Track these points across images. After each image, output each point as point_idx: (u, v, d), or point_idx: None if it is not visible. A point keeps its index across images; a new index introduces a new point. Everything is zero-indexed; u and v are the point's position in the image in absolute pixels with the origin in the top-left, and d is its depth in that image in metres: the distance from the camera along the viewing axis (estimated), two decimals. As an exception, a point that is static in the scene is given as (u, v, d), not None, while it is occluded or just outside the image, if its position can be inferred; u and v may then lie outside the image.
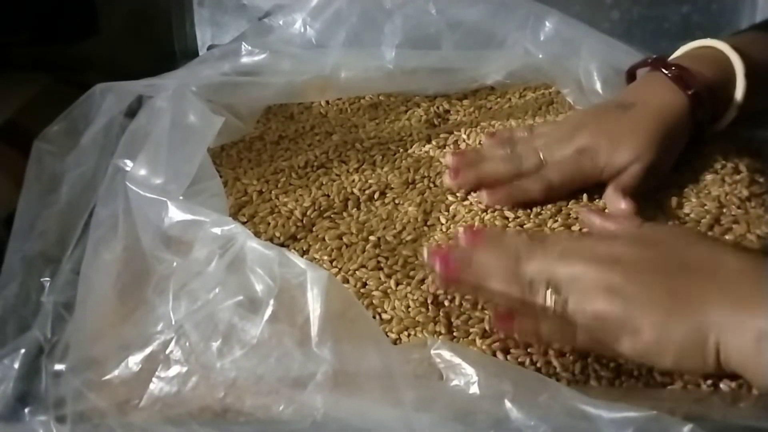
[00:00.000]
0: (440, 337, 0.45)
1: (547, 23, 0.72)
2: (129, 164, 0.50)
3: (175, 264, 0.41)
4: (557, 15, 0.72)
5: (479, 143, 0.65)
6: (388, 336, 0.45)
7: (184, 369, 0.36)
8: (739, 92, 0.59)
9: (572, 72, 0.71)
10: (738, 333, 0.39)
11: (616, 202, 0.55)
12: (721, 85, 0.59)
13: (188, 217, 0.42)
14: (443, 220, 0.56)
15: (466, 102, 0.74)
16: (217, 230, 0.40)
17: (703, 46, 0.62)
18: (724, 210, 0.56)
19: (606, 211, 0.54)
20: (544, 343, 0.44)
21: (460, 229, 0.50)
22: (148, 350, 0.37)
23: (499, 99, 0.74)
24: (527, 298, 0.44)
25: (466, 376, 0.38)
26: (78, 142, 0.54)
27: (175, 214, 0.42)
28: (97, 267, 0.43)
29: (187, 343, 0.36)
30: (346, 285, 0.49)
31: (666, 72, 0.59)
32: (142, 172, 0.47)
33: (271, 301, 0.36)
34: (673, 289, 0.41)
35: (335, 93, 0.73)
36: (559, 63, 0.72)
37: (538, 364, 0.44)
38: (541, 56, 0.72)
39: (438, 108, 0.73)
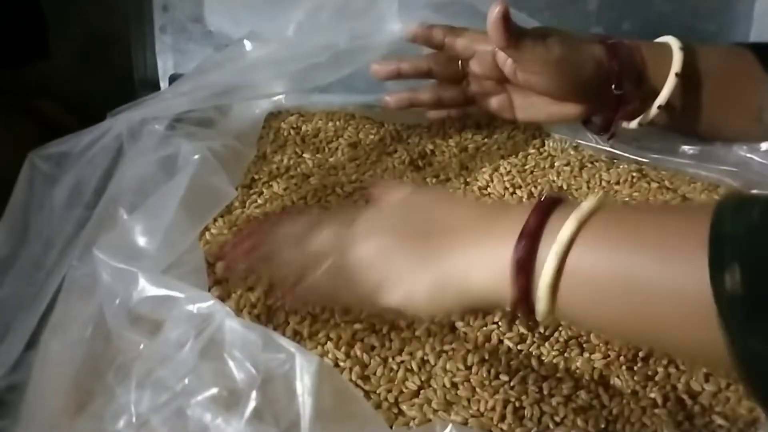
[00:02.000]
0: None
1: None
2: (115, 215, 0.44)
3: (141, 346, 0.35)
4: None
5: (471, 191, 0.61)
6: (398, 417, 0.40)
7: (148, 481, 0.30)
8: (666, 89, 0.59)
9: None
10: (476, 271, 0.39)
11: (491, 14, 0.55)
12: (659, 61, 0.59)
13: (161, 292, 0.36)
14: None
15: (451, 142, 0.69)
16: (192, 308, 0.34)
17: (663, 42, 0.62)
18: None
19: None
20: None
21: None
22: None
23: (486, 139, 0.69)
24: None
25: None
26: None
27: (145, 287, 0.36)
28: (60, 341, 0.37)
29: (149, 450, 0.30)
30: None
31: (606, 42, 0.60)
32: (125, 233, 0.41)
33: (253, 394, 0.30)
34: (420, 245, 0.42)
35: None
36: None
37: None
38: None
39: (421, 148, 0.68)
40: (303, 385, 0.31)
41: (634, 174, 0.63)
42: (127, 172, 0.46)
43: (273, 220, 0.51)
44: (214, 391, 0.32)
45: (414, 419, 0.40)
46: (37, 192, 0.48)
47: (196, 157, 0.46)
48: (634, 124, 0.62)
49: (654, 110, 0.60)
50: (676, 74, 0.59)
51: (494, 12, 0.54)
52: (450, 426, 0.34)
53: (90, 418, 0.34)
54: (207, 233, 0.54)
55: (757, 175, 0.62)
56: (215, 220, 0.55)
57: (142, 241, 0.40)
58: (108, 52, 0.78)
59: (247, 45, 0.61)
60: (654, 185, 0.62)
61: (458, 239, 0.41)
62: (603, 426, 0.41)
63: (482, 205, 0.47)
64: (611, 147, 0.66)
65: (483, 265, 0.39)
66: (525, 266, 0.36)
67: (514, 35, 0.56)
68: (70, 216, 0.48)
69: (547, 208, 0.38)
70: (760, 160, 0.63)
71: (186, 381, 0.33)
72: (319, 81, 0.65)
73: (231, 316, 0.34)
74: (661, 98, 0.60)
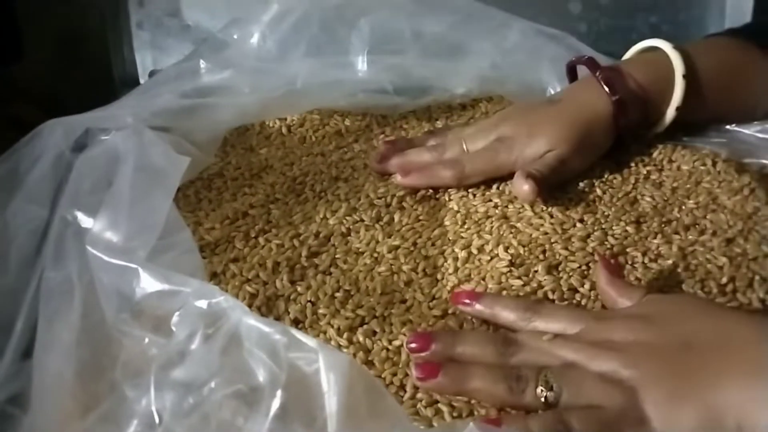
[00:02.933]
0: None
1: (511, 32, 0.69)
2: (80, 216, 0.43)
3: (147, 340, 0.34)
4: (522, 23, 0.70)
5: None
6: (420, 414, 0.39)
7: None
8: (678, 92, 0.59)
9: (536, 82, 0.70)
10: (764, 408, 0.34)
11: (518, 183, 0.54)
12: (660, 87, 0.60)
13: (163, 286, 0.35)
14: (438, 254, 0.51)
15: (438, 124, 0.69)
16: (202, 303, 0.33)
17: (650, 47, 0.63)
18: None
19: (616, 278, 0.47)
20: None
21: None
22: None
23: (454, 126, 0.69)
24: (516, 397, 0.38)
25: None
26: (21, 188, 0.46)
27: (146, 282, 0.35)
28: (52, 349, 0.36)
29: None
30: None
31: (596, 74, 0.59)
32: (102, 230, 0.40)
33: (279, 393, 0.29)
34: (678, 369, 0.37)
35: (301, 108, 0.68)
36: (524, 73, 0.71)
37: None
38: (505, 67, 0.69)
39: (407, 133, 0.68)
40: (329, 383, 0.31)
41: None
42: (76, 176, 0.45)
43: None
44: (236, 389, 0.31)
45: (422, 401, 0.40)
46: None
47: (133, 137, 0.45)
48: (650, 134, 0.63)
49: (670, 115, 0.61)
50: (677, 108, 0.60)
51: (524, 190, 0.54)
52: (470, 424, 0.33)
53: (101, 420, 0.33)
54: (200, 228, 0.53)
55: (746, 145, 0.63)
56: (207, 214, 0.55)
57: (115, 232, 0.39)
58: (84, 51, 0.77)
59: (202, 65, 0.60)
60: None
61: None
62: None
63: (753, 324, 0.38)
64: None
65: None
66: None
67: (542, 190, 0.54)
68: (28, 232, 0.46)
69: None
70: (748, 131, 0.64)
71: (207, 380, 0.32)
72: (272, 115, 0.64)
73: (247, 312, 0.33)
74: (660, 128, 0.61)
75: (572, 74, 0.67)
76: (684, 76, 0.59)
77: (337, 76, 0.64)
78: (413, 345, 0.42)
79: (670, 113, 0.60)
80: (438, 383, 0.39)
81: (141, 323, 0.35)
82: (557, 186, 0.57)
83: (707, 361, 0.37)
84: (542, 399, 0.37)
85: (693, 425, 0.35)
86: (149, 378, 0.32)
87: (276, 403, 0.29)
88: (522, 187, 0.54)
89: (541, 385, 0.38)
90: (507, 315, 0.44)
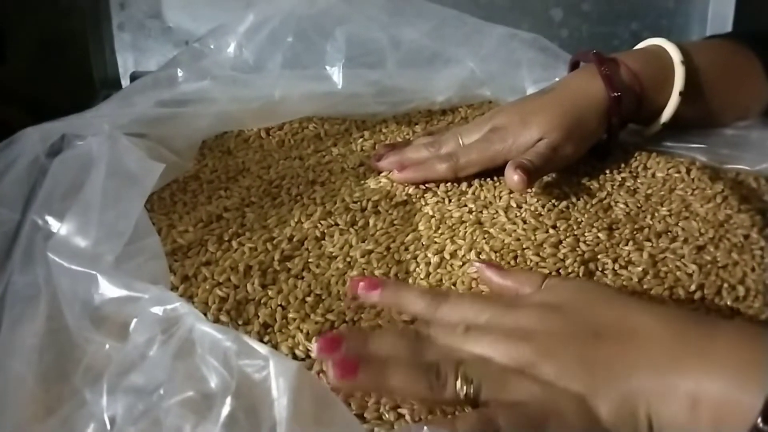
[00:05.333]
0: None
1: (486, 38, 0.70)
2: (50, 221, 0.43)
3: (107, 347, 0.34)
4: (495, 28, 0.70)
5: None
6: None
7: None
8: (679, 78, 0.60)
9: (516, 87, 0.71)
10: (669, 400, 0.35)
11: (509, 173, 0.55)
12: (658, 79, 0.60)
13: (122, 293, 0.35)
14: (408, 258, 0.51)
15: (417, 128, 0.69)
16: (158, 310, 0.34)
17: (654, 45, 0.63)
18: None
19: (504, 268, 0.48)
20: None
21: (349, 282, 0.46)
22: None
23: (451, 126, 0.70)
24: (436, 392, 0.38)
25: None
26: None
27: (106, 289, 0.36)
28: (14, 351, 0.36)
29: (126, 458, 0.30)
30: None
31: (600, 67, 0.60)
32: (68, 235, 0.40)
33: (228, 400, 0.30)
34: (591, 361, 0.37)
35: (279, 118, 0.68)
36: (503, 78, 0.71)
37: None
38: (483, 73, 0.70)
39: (387, 137, 0.68)
40: (279, 390, 0.31)
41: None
42: (49, 181, 0.45)
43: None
44: (187, 396, 0.31)
45: (385, 405, 0.40)
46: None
47: (108, 143, 0.45)
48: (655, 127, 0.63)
49: (657, 127, 0.62)
50: (680, 93, 0.60)
51: (514, 181, 0.54)
52: (425, 428, 0.33)
53: (60, 422, 0.33)
54: (173, 231, 0.53)
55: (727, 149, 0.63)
56: (181, 217, 0.55)
57: (82, 236, 0.39)
58: (66, 53, 0.77)
59: (179, 74, 0.60)
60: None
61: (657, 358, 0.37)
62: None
63: (661, 314, 0.39)
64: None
65: (699, 403, 0.35)
66: None
67: (533, 180, 0.55)
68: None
69: None
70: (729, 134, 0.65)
71: (158, 386, 0.32)
72: (249, 125, 0.65)
73: (201, 319, 0.33)
74: (665, 117, 0.61)
75: (574, 69, 0.67)
76: (682, 62, 0.60)
77: (315, 88, 0.65)
78: (321, 346, 0.40)
79: (674, 99, 0.60)
80: (358, 381, 0.38)
81: (101, 329, 0.35)
82: (539, 187, 0.58)
83: (617, 352, 0.37)
84: (462, 393, 0.38)
85: (608, 416, 0.36)
86: (104, 383, 0.32)
87: (226, 410, 0.29)
88: (512, 177, 0.55)
89: (460, 379, 0.38)
90: (414, 304, 0.44)
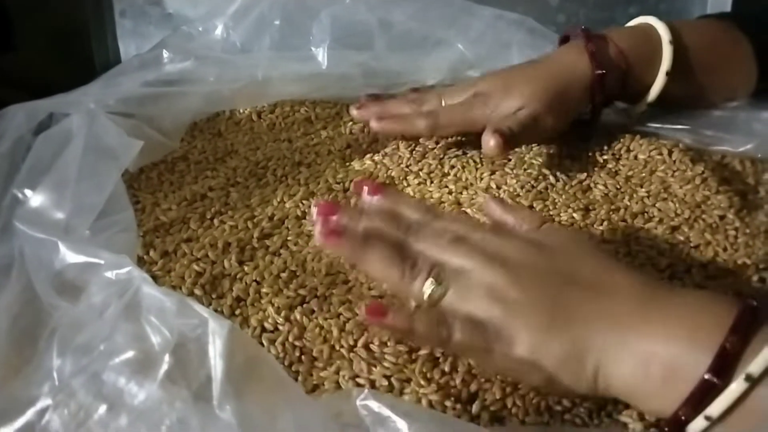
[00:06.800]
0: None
1: (474, 19, 0.70)
2: (29, 194, 0.45)
3: (66, 309, 0.36)
4: (482, 9, 0.70)
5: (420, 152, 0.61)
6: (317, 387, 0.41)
7: (61, 443, 0.31)
8: (666, 57, 0.59)
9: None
10: (621, 356, 0.36)
11: (486, 138, 0.55)
12: (645, 57, 0.60)
13: (81, 258, 0.37)
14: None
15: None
16: (111, 274, 0.35)
17: (644, 23, 0.63)
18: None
19: (510, 203, 0.50)
20: (415, 341, 0.40)
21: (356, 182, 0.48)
22: (21, 420, 0.32)
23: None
24: (406, 281, 0.40)
25: (395, 430, 0.33)
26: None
27: (67, 255, 0.37)
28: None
29: (66, 411, 0.31)
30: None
31: (586, 43, 0.60)
32: (39, 206, 0.42)
33: (166, 357, 0.31)
34: (557, 301, 0.38)
35: (267, 99, 0.69)
36: (492, 59, 0.71)
37: (474, 412, 0.39)
38: (473, 54, 0.70)
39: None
40: (215, 348, 0.32)
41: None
42: (32, 156, 0.47)
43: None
44: (130, 355, 0.33)
45: (344, 376, 0.41)
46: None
47: (88, 119, 0.47)
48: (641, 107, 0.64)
49: (643, 107, 0.62)
50: (667, 72, 0.60)
51: (490, 146, 0.55)
52: (366, 392, 0.34)
53: (21, 383, 0.35)
54: (157, 209, 0.55)
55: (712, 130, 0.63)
56: (166, 195, 0.57)
57: (55, 208, 0.40)
58: (69, 40, 0.79)
59: (165, 55, 0.61)
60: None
61: (618, 317, 0.37)
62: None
63: (635, 278, 0.39)
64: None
65: (651, 362, 0.35)
66: (711, 392, 0.33)
67: (510, 146, 0.56)
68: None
69: (749, 323, 0.34)
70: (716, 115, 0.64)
71: (103, 346, 0.34)
72: (237, 105, 0.66)
73: (148, 282, 0.35)
74: (651, 96, 0.61)
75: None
76: (671, 42, 0.60)
77: (300, 69, 0.66)
78: (319, 209, 0.43)
79: (660, 79, 0.60)
80: (338, 243, 0.41)
81: (63, 294, 0.37)
82: (520, 170, 0.58)
83: (582, 300, 0.38)
84: (427, 293, 0.39)
85: (556, 356, 0.37)
86: (55, 343, 0.34)
87: (164, 367, 0.31)
88: (489, 142, 0.55)
89: (432, 278, 0.39)
90: (410, 213, 0.45)
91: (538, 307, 0.38)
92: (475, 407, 0.39)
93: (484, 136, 0.55)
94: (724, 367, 0.33)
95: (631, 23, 0.65)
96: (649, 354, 0.35)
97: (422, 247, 0.42)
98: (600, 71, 0.59)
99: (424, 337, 0.39)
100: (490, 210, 0.47)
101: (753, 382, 0.32)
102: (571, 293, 0.38)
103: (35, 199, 0.42)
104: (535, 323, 0.38)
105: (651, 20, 0.62)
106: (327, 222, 0.42)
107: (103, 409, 0.31)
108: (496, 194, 0.55)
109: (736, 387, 0.33)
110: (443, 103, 0.62)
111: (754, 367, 0.32)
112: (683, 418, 0.34)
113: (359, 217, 0.43)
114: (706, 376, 0.33)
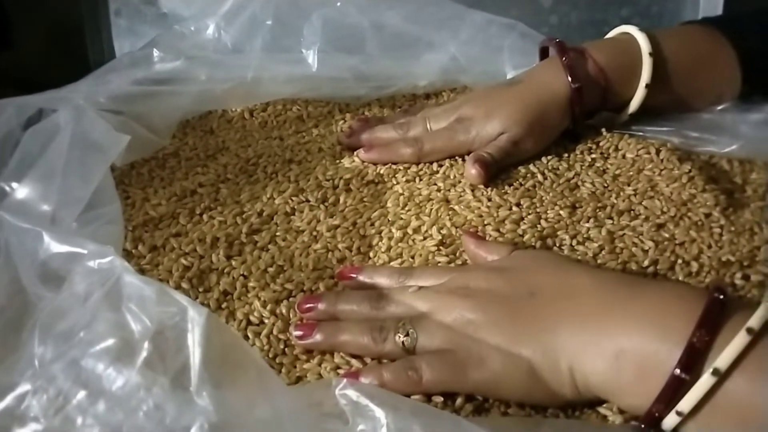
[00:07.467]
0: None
1: (464, 24, 0.71)
2: (16, 187, 0.45)
3: (49, 298, 0.37)
4: (473, 13, 0.71)
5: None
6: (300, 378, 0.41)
7: (40, 427, 0.31)
8: (646, 70, 0.60)
9: (497, 71, 0.72)
10: (593, 353, 0.37)
11: (468, 166, 0.57)
12: (625, 71, 0.61)
13: (65, 248, 0.37)
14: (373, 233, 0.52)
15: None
16: (93, 263, 0.36)
17: (623, 33, 0.63)
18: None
19: (482, 238, 0.50)
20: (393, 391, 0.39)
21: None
22: (1, 405, 0.32)
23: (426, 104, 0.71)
24: (378, 346, 0.41)
25: (373, 419, 0.33)
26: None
27: (51, 245, 0.38)
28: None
29: (45, 396, 0.31)
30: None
31: (562, 59, 0.60)
32: (25, 198, 0.43)
33: (146, 344, 0.31)
34: (520, 315, 0.39)
35: (257, 99, 0.70)
36: (483, 63, 0.72)
37: (457, 405, 0.39)
38: (464, 58, 0.71)
39: (372, 116, 0.69)
40: (193, 336, 0.33)
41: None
42: (20, 151, 0.47)
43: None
44: (109, 342, 0.33)
45: (326, 367, 0.42)
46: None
47: (75, 114, 0.47)
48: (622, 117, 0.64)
49: (625, 117, 0.63)
50: (646, 85, 0.60)
51: (472, 174, 0.56)
52: (344, 381, 0.35)
53: (3, 370, 0.35)
54: (147, 204, 0.55)
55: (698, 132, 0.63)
56: (156, 191, 0.57)
57: (42, 200, 0.41)
58: (65, 39, 0.80)
59: (155, 53, 0.62)
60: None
61: (580, 315, 0.38)
62: None
63: (597, 276, 0.40)
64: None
65: (622, 359, 0.35)
66: (681, 387, 0.33)
67: (491, 173, 0.57)
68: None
69: (716, 317, 0.34)
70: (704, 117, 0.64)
71: (83, 333, 0.34)
72: (228, 105, 0.66)
73: (129, 270, 0.35)
74: (632, 108, 0.62)
75: (544, 56, 0.68)
76: (650, 54, 0.60)
77: (290, 71, 0.66)
78: (307, 305, 0.45)
79: (640, 92, 0.61)
80: (314, 341, 0.43)
81: (47, 284, 0.37)
82: (510, 167, 0.59)
83: (547, 308, 0.39)
84: (400, 345, 0.40)
85: (527, 367, 0.38)
86: (37, 330, 0.34)
87: (143, 354, 0.31)
88: (470, 171, 0.56)
89: (399, 333, 0.40)
90: (384, 281, 0.46)
91: (501, 325, 0.39)
92: (458, 400, 0.39)
93: (467, 165, 0.57)
94: (692, 362, 0.33)
95: (612, 34, 0.65)
96: (618, 351, 0.36)
97: (391, 309, 0.43)
98: (577, 85, 0.59)
99: (395, 386, 0.39)
100: (465, 244, 0.49)
101: (720, 376, 0.32)
102: (535, 306, 0.39)
103: (21, 191, 0.43)
104: (501, 340, 0.39)
105: (631, 30, 0.62)
106: (297, 324, 0.44)
107: (81, 394, 0.31)
108: (484, 192, 0.56)
109: (704, 381, 0.33)
110: (428, 127, 0.63)
111: (721, 362, 0.33)
112: (656, 414, 0.34)
113: (335, 300, 0.45)
114: (676, 372, 0.33)
